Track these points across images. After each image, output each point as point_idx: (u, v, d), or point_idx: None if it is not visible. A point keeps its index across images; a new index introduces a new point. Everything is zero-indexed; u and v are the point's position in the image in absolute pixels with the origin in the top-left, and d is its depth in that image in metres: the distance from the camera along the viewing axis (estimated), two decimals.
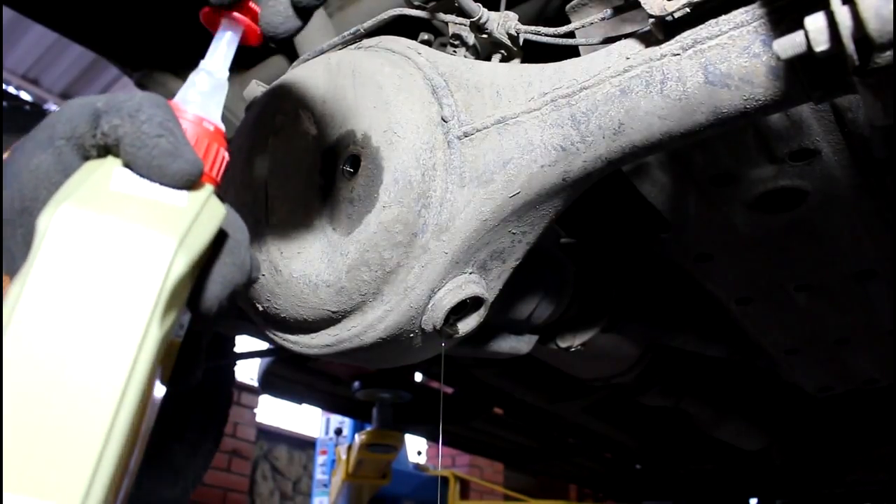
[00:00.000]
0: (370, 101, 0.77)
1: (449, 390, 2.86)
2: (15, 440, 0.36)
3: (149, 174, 0.45)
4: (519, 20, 0.83)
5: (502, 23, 0.82)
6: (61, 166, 0.45)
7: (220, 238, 0.49)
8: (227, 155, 0.53)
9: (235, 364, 2.10)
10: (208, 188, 0.48)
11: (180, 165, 0.45)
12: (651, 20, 0.64)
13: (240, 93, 1.30)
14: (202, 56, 0.56)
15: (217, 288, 0.49)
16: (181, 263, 0.42)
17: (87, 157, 0.46)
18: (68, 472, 0.36)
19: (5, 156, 0.48)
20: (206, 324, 0.50)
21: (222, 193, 0.89)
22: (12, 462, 0.35)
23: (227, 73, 0.55)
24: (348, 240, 0.75)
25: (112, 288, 0.40)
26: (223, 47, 0.55)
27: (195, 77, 0.54)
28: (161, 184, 0.45)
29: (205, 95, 0.53)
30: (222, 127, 0.53)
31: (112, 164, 0.45)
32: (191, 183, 0.46)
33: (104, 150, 0.46)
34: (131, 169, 0.45)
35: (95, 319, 0.40)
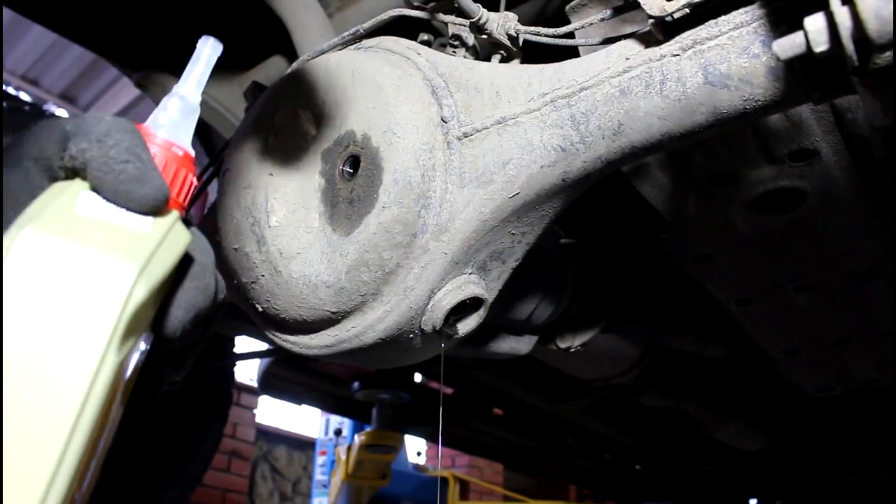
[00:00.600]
0: (370, 101, 0.77)
1: (448, 391, 2.86)
2: None
3: (115, 199, 0.45)
4: (518, 21, 0.83)
5: (502, 23, 0.82)
6: (28, 186, 0.45)
7: (185, 263, 0.50)
8: (195, 180, 0.53)
9: (235, 365, 2.10)
10: (174, 214, 0.49)
11: (147, 191, 0.45)
12: (651, 21, 0.64)
13: (239, 93, 1.30)
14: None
15: (181, 312, 0.49)
16: (141, 291, 0.43)
17: (54, 179, 0.46)
18: (22, 491, 0.36)
19: None
20: (169, 347, 0.51)
21: (214, 200, 0.90)
22: None
23: (199, 98, 0.56)
24: (348, 240, 0.75)
25: (71, 313, 0.41)
26: (198, 69, 0.57)
27: (167, 101, 0.54)
28: (127, 209, 0.45)
29: (175, 121, 0.53)
30: (192, 152, 0.53)
31: (79, 187, 0.45)
32: (157, 208, 0.46)
33: (72, 173, 0.46)
34: (98, 193, 0.45)
35: (52, 345, 0.40)
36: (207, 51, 0.57)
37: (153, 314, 0.46)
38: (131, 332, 0.43)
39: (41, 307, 0.40)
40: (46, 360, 0.39)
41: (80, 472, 0.40)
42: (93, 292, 0.41)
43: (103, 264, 0.42)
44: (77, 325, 0.40)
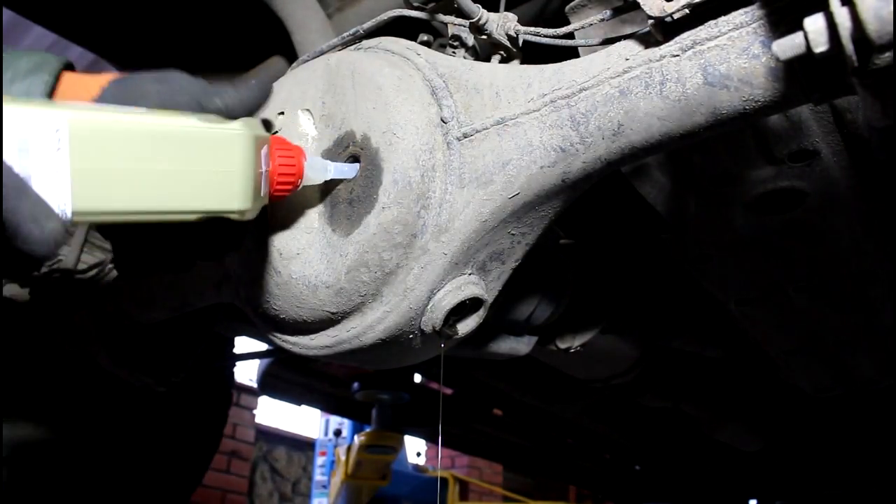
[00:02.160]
0: (369, 101, 0.77)
1: (448, 391, 2.86)
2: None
3: (232, 108, 0.64)
4: (518, 21, 0.83)
5: (502, 24, 0.82)
6: (181, 95, 0.65)
7: (241, 229, 0.68)
8: (288, 193, 0.71)
9: (234, 365, 2.09)
10: (267, 199, 0.68)
11: (252, 100, 0.66)
12: (650, 21, 0.64)
13: None
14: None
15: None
16: (238, 213, 0.62)
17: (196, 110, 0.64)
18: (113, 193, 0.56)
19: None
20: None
21: None
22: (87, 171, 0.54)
23: (324, 176, 0.74)
24: (347, 241, 0.75)
25: (220, 172, 0.61)
26: (336, 166, 0.75)
27: (316, 158, 0.75)
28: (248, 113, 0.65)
29: (315, 164, 0.73)
30: (302, 180, 0.72)
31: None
32: (251, 110, 0.66)
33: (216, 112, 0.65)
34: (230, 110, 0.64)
35: (186, 178, 0.59)
36: (350, 170, 0.76)
37: (215, 229, 0.63)
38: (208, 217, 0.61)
39: (211, 153, 0.60)
40: (179, 172, 0.59)
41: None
42: (223, 182, 0.61)
43: (242, 180, 0.62)
44: (210, 180, 0.60)
